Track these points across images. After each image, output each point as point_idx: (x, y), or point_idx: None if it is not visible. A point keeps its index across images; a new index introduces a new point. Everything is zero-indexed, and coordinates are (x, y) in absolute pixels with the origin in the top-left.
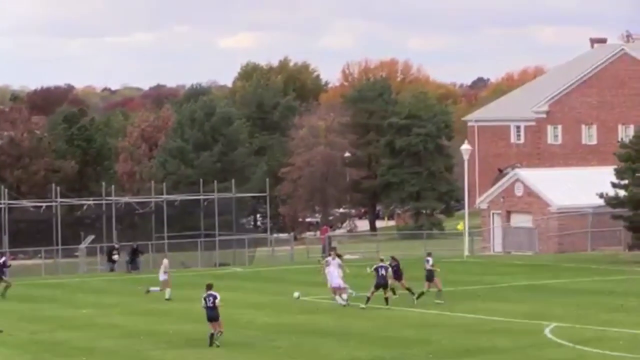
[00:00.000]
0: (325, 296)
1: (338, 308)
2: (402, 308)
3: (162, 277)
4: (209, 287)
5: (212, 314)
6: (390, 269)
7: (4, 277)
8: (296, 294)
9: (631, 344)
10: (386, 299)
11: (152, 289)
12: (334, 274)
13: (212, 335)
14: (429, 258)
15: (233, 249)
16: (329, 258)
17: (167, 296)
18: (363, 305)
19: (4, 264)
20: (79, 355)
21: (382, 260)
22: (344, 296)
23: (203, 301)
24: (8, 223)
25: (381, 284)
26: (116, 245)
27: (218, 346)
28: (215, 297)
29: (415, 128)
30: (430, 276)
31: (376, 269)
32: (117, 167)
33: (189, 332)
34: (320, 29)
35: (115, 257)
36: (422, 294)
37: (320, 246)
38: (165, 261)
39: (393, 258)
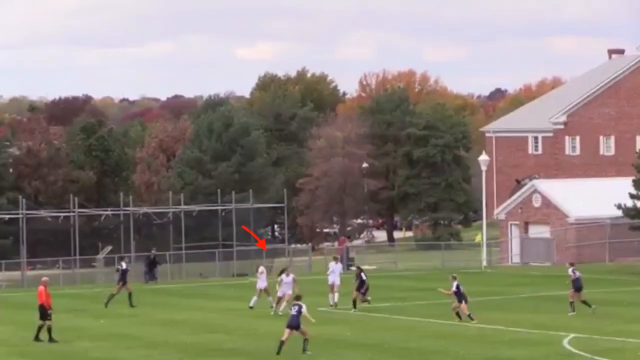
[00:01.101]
0: (344, 307)
1: (357, 319)
2: (421, 319)
3: (260, 284)
4: (298, 297)
5: (294, 322)
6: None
7: (126, 284)
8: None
9: None
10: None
11: (251, 302)
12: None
13: (282, 342)
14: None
15: (251, 259)
16: (332, 263)
17: (272, 305)
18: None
19: (126, 270)
20: None
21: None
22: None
23: (290, 308)
24: (26, 233)
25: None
26: (153, 251)
27: (309, 353)
28: (301, 307)
29: (433, 139)
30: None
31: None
32: (135, 177)
33: (205, 343)
34: (337, 40)
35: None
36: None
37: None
38: (262, 268)
39: (358, 267)
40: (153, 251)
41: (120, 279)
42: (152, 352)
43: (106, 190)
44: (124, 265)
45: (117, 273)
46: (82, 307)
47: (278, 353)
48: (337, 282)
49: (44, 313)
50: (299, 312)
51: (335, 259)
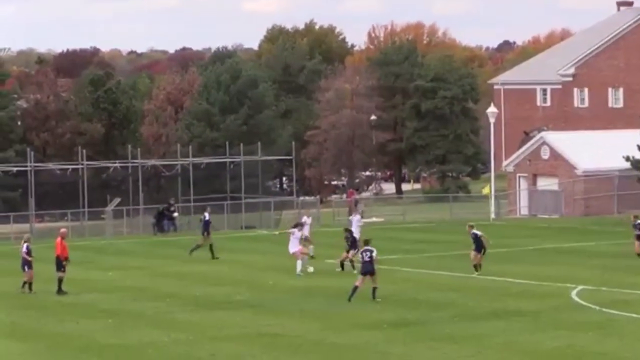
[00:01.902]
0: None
1: None
2: (430, 271)
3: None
4: (367, 242)
5: (368, 268)
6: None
7: (208, 234)
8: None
9: None
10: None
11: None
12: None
13: (355, 288)
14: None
15: (259, 211)
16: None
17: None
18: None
19: (209, 221)
20: (104, 317)
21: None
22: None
23: (360, 255)
24: (34, 186)
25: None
26: (171, 202)
27: (379, 301)
28: (372, 252)
29: (441, 91)
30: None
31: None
32: (143, 130)
33: (214, 295)
34: None
35: (175, 214)
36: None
37: (346, 209)
38: (306, 218)
39: (347, 230)
40: (171, 201)
41: (204, 229)
42: (160, 304)
43: (114, 142)
44: (207, 215)
45: (200, 223)
46: (90, 259)
47: (349, 300)
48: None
49: (59, 264)
50: (371, 257)
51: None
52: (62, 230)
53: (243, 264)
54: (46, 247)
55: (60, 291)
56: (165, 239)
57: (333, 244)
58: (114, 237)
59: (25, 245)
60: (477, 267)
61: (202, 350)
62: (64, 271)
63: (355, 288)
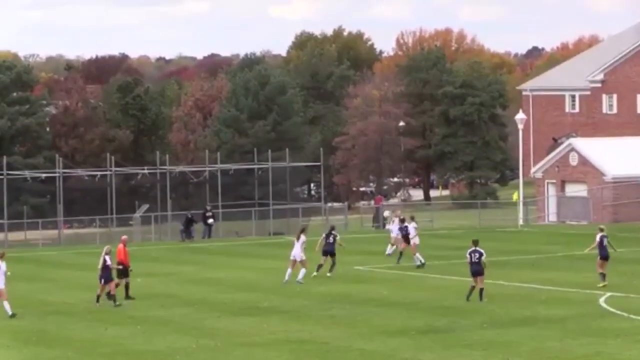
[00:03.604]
0: (380, 265)
1: (394, 278)
2: (458, 278)
3: (395, 232)
4: (475, 243)
5: (477, 269)
6: None
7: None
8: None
9: None
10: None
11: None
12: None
13: (472, 288)
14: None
15: (287, 218)
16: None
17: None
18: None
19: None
20: (133, 323)
21: None
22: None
23: (468, 256)
24: (63, 192)
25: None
26: (208, 207)
27: (485, 301)
28: (481, 254)
29: (470, 97)
30: None
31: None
32: (172, 136)
33: (242, 301)
34: None
35: (210, 220)
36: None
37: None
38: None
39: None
40: (208, 207)
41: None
42: (188, 311)
43: (143, 149)
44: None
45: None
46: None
47: (468, 299)
48: (416, 241)
49: (123, 271)
50: (480, 258)
51: (411, 218)
52: (124, 237)
53: (271, 271)
54: (74, 253)
55: (128, 297)
56: (194, 246)
57: (361, 251)
58: (142, 244)
59: (107, 257)
60: (602, 276)
61: (230, 357)
62: (127, 276)
63: (472, 288)
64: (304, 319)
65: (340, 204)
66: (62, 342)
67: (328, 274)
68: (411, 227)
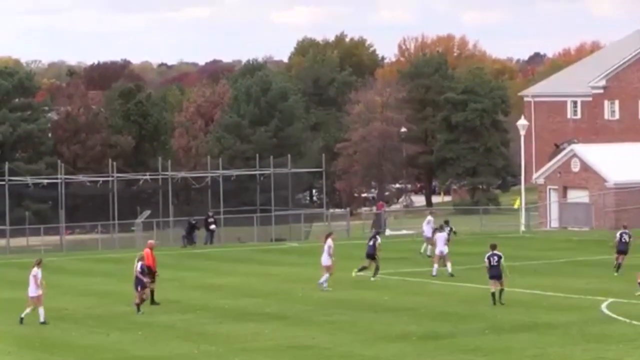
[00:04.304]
0: (381, 270)
1: (396, 284)
2: (459, 284)
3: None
4: (493, 247)
5: (495, 273)
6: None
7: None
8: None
9: None
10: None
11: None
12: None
13: (493, 294)
14: None
15: (289, 224)
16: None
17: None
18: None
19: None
20: (135, 329)
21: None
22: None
23: (487, 260)
24: (65, 198)
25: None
26: (210, 213)
27: (503, 304)
28: (500, 257)
29: (472, 103)
30: None
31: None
32: (173, 142)
33: (244, 307)
34: (376, 4)
35: (212, 226)
36: None
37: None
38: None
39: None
40: (210, 213)
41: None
42: (190, 317)
43: (144, 154)
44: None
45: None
46: (121, 271)
47: (494, 303)
48: (445, 250)
49: (150, 276)
50: (499, 262)
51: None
52: (150, 241)
53: (273, 276)
54: (76, 259)
55: (153, 302)
56: (195, 251)
57: (363, 256)
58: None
59: (139, 264)
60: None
61: None
62: (153, 281)
63: (493, 294)
64: (305, 324)
65: (342, 210)
66: (64, 348)
67: (372, 279)
68: (443, 235)
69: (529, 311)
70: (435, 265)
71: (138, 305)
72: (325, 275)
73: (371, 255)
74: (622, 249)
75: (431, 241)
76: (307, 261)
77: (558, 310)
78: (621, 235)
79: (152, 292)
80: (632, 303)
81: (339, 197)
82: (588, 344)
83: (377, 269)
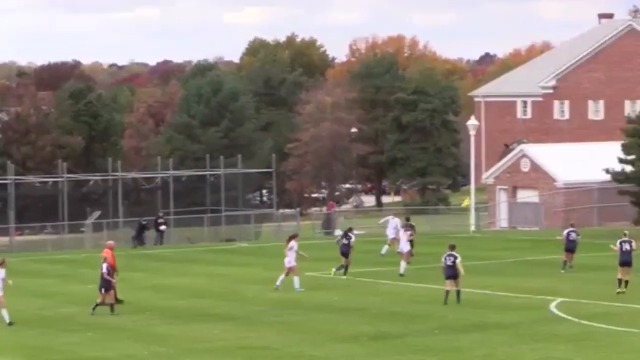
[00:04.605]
0: (331, 271)
1: (345, 284)
2: (409, 284)
3: (390, 234)
4: (452, 247)
5: (450, 273)
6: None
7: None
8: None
9: (636, 319)
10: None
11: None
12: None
13: (447, 292)
14: None
15: (239, 224)
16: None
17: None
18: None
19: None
20: (85, 330)
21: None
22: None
23: (443, 260)
24: (15, 198)
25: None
26: (160, 214)
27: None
28: (455, 258)
29: (422, 103)
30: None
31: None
32: (124, 142)
33: (194, 307)
34: (327, 5)
35: (162, 227)
36: None
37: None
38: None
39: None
40: (160, 214)
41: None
42: (140, 317)
43: (95, 155)
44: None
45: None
46: (70, 272)
47: (445, 302)
48: (404, 248)
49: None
50: (454, 262)
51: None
52: (110, 242)
53: (223, 277)
54: (25, 260)
55: (117, 300)
56: (145, 252)
57: (313, 257)
58: (94, 250)
59: (105, 265)
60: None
61: None
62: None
63: (447, 292)
64: (255, 325)
65: (293, 210)
66: (12, 349)
67: (343, 277)
68: (407, 233)
69: (478, 311)
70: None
71: (96, 306)
72: (296, 278)
73: (345, 254)
74: (570, 248)
75: (394, 241)
76: (257, 261)
77: (507, 310)
78: (568, 233)
79: (114, 291)
80: (580, 303)
81: (289, 197)
82: (537, 343)
83: (346, 267)
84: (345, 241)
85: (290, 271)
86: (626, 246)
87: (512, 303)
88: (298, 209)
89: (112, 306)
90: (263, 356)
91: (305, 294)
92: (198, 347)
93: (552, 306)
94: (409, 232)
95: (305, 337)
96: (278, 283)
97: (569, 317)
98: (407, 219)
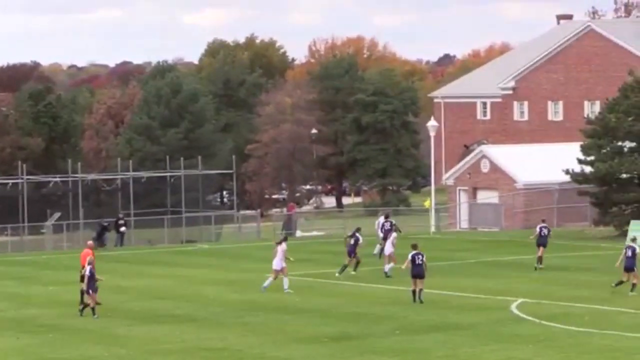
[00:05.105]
0: (292, 272)
1: (307, 285)
2: (371, 284)
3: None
4: (415, 246)
5: (419, 271)
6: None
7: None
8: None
9: (596, 320)
10: None
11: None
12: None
13: (414, 291)
14: None
15: (200, 225)
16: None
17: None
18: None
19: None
20: (45, 332)
21: None
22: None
23: (410, 259)
24: None
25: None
26: (120, 215)
27: (422, 302)
28: (423, 256)
29: (382, 105)
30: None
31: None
32: (84, 144)
33: (155, 309)
34: (286, 6)
35: (123, 228)
36: None
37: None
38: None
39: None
40: (121, 215)
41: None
42: (101, 319)
43: (54, 157)
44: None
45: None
46: (31, 274)
47: (414, 301)
48: (387, 250)
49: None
50: (423, 261)
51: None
52: (90, 242)
53: (183, 278)
54: None
55: (82, 302)
56: (106, 253)
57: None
58: (54, 252)
59: (89, 267)
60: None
61: None
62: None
63: (413, 292)
64: (217, 326)
65: (253, 211)
66: None
67: (352, 272)
68: (393, 235)
69: (440, 312)
70: (389, 264)
71: (93, 309)
72: (286, 280)
73: (350, 253)
74: (542, 242)
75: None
76: (217, 263)
77: (468, 311)
78: (541, 229)
79: (82, 292)
80: (541, 303)
81: (249, 198)
82: (498, 344)
83: (357, 263)
84: (352, 241)
85: (280, 273)
86: (629, 252)
87: (473, 304)
88: (258, 210)
89: (93, 309)
90: (224, 358)
91: (265, 296)
92: (159, 348)
93: (513, 307)
94: (394, 235)
95: (267, 338)
96: (266, 284)
97: (530, 318)
98: (387, 216)
